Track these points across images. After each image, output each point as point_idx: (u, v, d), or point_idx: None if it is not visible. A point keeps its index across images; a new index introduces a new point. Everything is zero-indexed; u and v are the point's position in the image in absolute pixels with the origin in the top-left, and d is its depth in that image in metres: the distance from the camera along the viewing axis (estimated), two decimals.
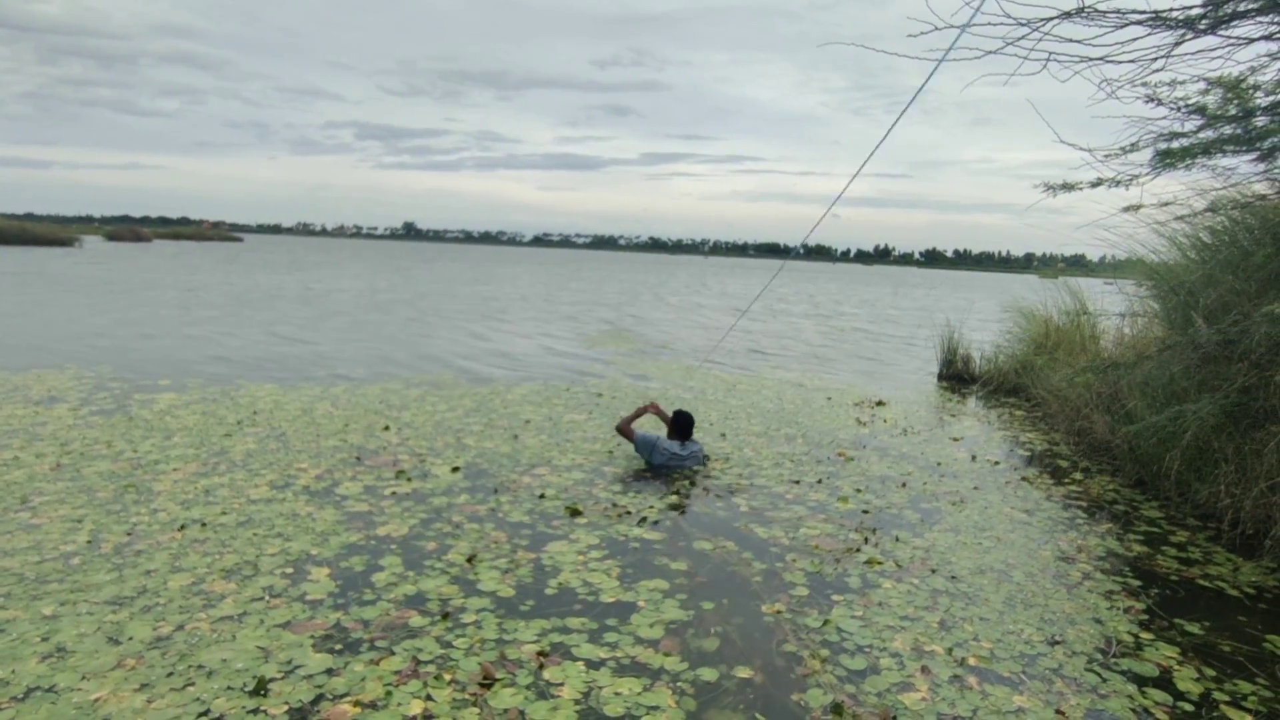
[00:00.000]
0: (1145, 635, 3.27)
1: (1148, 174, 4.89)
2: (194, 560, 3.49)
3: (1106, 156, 4.92)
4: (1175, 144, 4.77)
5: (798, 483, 5.20)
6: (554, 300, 21.70)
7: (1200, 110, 4.61)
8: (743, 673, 2.78)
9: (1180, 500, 5.06)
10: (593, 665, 2.76)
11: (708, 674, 2.75)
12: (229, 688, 2.52)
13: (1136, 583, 3.83)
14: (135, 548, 3.59)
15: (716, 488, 5.01)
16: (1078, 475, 5.82)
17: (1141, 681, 2.89)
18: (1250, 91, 4.58)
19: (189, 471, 4.76)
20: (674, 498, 4.77)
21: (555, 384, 8.56)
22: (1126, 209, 4.88)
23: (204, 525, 3.90)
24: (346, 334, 12.06)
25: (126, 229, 62.13)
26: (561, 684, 2.62)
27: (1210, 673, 2.98)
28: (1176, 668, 3.01)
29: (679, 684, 2.68)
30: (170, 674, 2.58)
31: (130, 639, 2.79)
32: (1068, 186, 5.14)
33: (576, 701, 2.52)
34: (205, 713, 2.38)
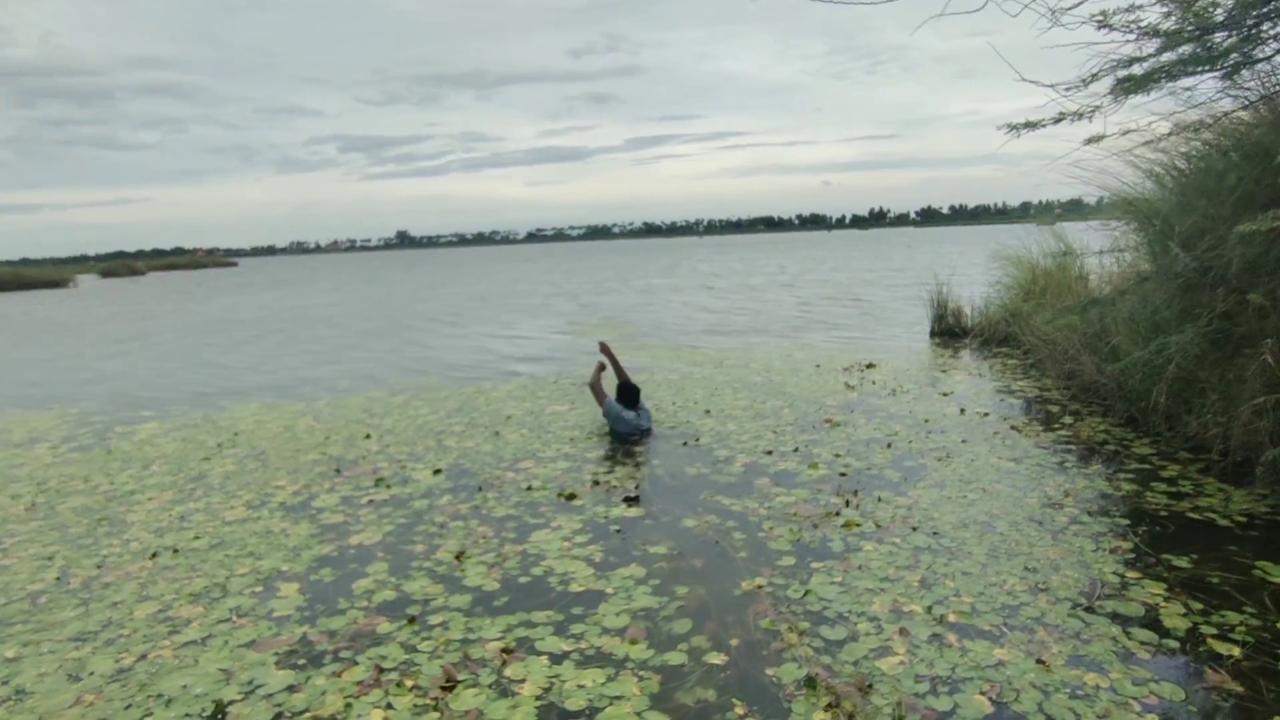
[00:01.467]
0: (1131, 574, 3.18)
1: (1111, 103, 4.75)
2: (162, 588, 3.44)
3: (1069, 90, 4.78)
4: (1135, 69, 4.63)
5: (770, 452, 5.11)
6: (540, 294, 21.59)
7: (1156, 32, 4.47)
8: (715, 653, 2.71)
9: (1171, 434, 4.96)
10: (556, 659, 2.70)
11: (676, 658, 2.69)
12: (186, 715, 2.47)
13: (1125, 522, 3.74)
14: (104, 580, 3.55)
15: (697, 462, 4.93)
16: (1068, 419, 5.71)
17: (1126, 622, 2.81)
18: (1210, 9, 4.44)
19: (164, 499, 4.71)
20: (656, 476, 4.70)
21: (541, 377, 8.48)
22: (1089, 141, 4.73)
23: (175, 551, 3.85)
24: (336, 350, 12.02)
25: (120, 265, 62.32)
26: (523, 680, 2.56)
27: (1197, 606, 2.90)
28: (1163, 604, 2.93)
29: (645, 670, 2.62)
30: (128, 706, 2.54)
31: (91, 674, 2.74)
32: (1030, 125, 5.00)
33: (537, 698, 2.46)
34: None
